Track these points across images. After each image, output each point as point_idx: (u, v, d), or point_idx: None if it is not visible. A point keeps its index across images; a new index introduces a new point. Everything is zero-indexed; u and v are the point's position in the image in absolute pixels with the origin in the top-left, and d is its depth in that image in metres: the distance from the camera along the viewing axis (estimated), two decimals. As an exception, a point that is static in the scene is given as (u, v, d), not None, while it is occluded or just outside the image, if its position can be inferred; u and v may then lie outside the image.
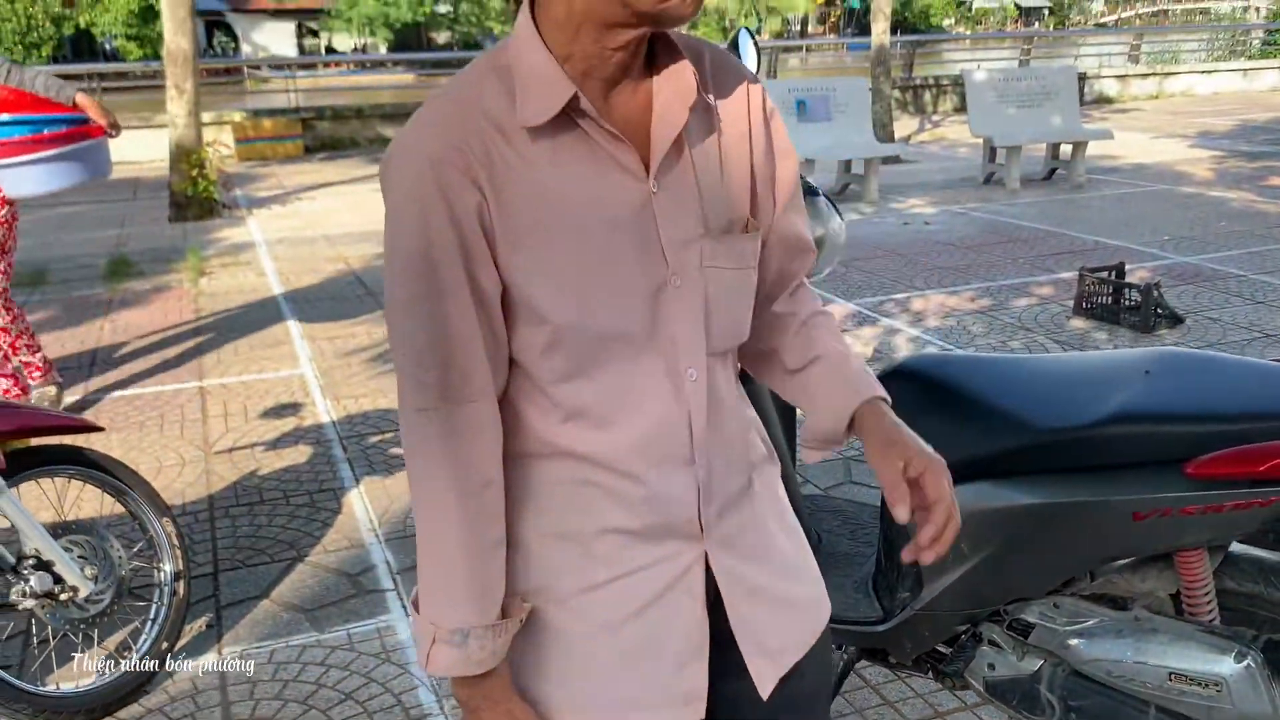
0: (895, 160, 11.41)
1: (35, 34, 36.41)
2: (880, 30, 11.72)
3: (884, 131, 11.53)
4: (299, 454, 4.05)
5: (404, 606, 2.97)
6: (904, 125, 15.53)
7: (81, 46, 38.95)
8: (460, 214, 1.05)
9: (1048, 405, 1.93)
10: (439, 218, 1.05)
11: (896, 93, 17.09)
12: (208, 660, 2.75)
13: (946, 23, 65.84)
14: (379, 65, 34.96)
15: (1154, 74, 19.30)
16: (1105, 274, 5.53)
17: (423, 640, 1.12)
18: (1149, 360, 2.01)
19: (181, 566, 2.72)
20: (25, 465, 2.49)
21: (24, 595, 2.43)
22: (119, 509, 2.75)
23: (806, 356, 1.26)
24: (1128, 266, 6.22)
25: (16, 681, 2.41)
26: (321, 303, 6.25)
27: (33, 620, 2.53)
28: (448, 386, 1.08)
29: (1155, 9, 77.89)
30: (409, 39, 45.20)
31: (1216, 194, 9.03)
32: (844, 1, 64.39)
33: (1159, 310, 5.28)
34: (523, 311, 1.09)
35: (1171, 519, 1.77)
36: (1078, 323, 5.41)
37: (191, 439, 4.21)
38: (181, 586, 2.71)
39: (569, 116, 1.05)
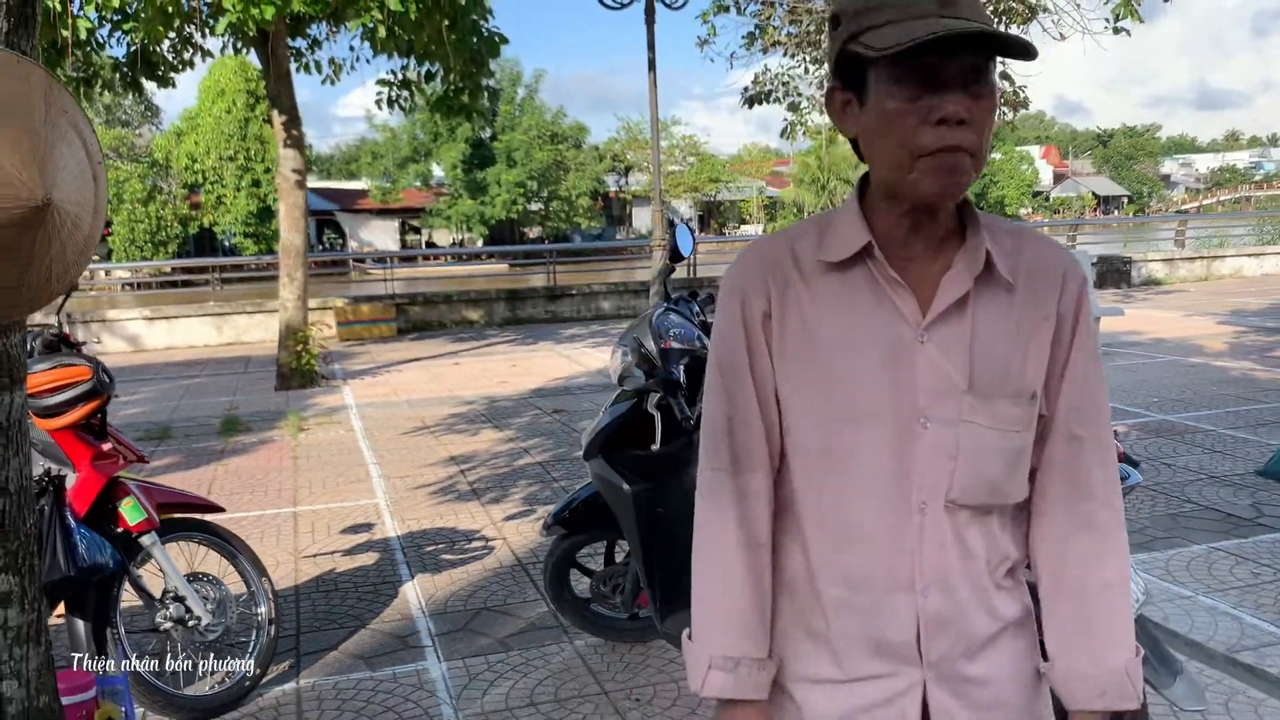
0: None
1: (164, 233, 40.02)
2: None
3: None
4: (368, 558, 5.01)
5: (439, 659, 3.85)
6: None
7: (204, 243, 42.48)
8: (750, 320, 1.29)
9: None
10: (736, 319, 1.30)
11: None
12: (289, 685, 3.66)
13: (1023, 212, 67.56)
14: (474, 258, 37.44)
15: (1200, 257, 20.09)
16: (1070, 425, 6.31)
17: (697, 667, 1.31)
18: None
19: (274, 614, 3.68)
20: (171, 529, 3.51)
21: (165, 619, 3.41)
22: (233, 569, 3.74)
23: (1053, 580, 1.31)
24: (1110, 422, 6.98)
25: (159, 684, 3.35)
26: (399, 451, 7.33)
27: (169, 640, 3.48)
28: (735, 455, 1.30)
29: (1236, 196, 78.93)
30: (503, 233, 48.20)
31: (1221, 363, 9.74)
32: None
33: (1119, 456, 6.02)
34: (785, 417, 1.30)
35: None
36: (1044, 467, 6.16)
37: (285, 548, 5.22)
38: (273, 629, 3.66)
39: (863, 262, 1.25)
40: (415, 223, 51.64)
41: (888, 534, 1.25)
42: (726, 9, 13.37)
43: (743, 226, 62.56)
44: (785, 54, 13.70)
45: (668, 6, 11.34)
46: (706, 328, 3.45)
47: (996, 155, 64.63)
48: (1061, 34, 11.64)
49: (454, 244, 49.46)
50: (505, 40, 10.48)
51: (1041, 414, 1.28)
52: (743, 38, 13.76)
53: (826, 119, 14.07)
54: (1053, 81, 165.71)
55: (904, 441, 1.23)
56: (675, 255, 3.53)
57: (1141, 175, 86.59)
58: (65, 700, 2.58)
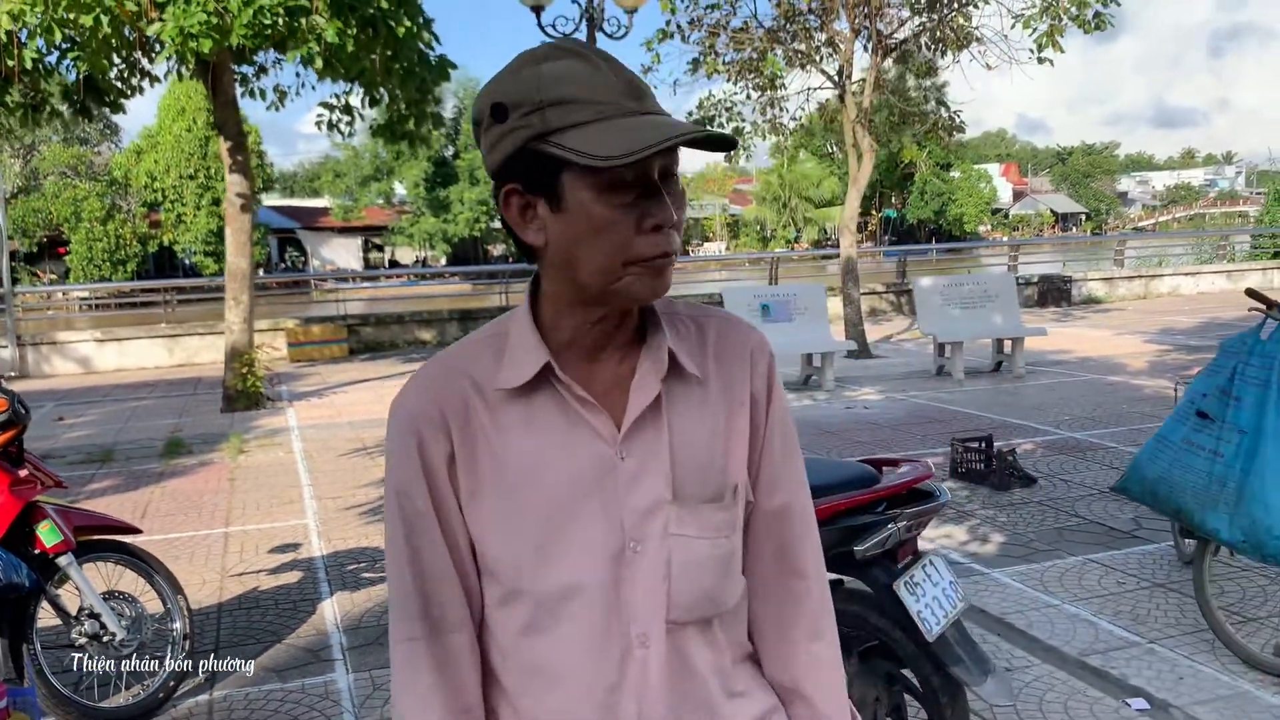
0: (866, 355, 12.72)
1: (123, 251, 39.88)
2: (847, 244, 13.25)
3: (855, 330, 12.85)
4: (292, 577, 5.23)
5: (347, 670, 4.07)
6: (895, 324, 16.92)
7: (164, 262, 42.34)
8: (432, 464, 1.17)
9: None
10: (414, 466, 1.17)
11: (891, 295, 18.61)
12: (202, 697, 3.88)
13: (982, 229, 68.58)
14: (437, 276, 37.58)
15: (1139, 276, 20.68)
16: (974, 443, 6.65)
17: None
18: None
19: (189, 629, 3.89)
20: (89, 550, 3.73)
21: (80, 635, 3.62)
22: (150, 588, 3.95)
23: (786, 681, 1.29)
24: (1019, 441, 7.37)
25: (73, 696, 3.56)
26: (334, 472, 7.54)
27: (85, 655, 3.69)
28: (429, 619, 1.18)
29: (1191, 213, 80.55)
30: (466, 251, 48.41)
31: (1138, 382, 10.14)
32: (880, 211, 67.76)
33: (1013, 473, 6.36)
34: (482, 563, 1.19)
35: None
36: (948, 484, 6.49)
37: (213, 567, 5.42)
38: (188, 643, 3.88)
39: (547, 381, 1.15)
40: (378, 240, 51.71)
41: (605, 677, 1.17)
42: (671, 36, 13.73)
43: (706, 244, 63.11)
44: (728, 80, 14.08)
45: (609, 36, 11.64)
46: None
47: (955, 174, 65.67)
48: (988, 64, 12.08)
49: (416, 262, 49.56)
50: (454, 66, 10.76)
51: (748, 499, 1.25)
52: (687, 64, 14.13)
53: (768, 144, 14.47)
54: (1015, 100, 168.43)
55: (615, 571, 1.15)
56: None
57: (1099, 192, 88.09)
58: (-23, 710, 2.80)
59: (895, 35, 12.84)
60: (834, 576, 3.02)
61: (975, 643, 2.92)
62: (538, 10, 11.36)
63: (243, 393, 10.73)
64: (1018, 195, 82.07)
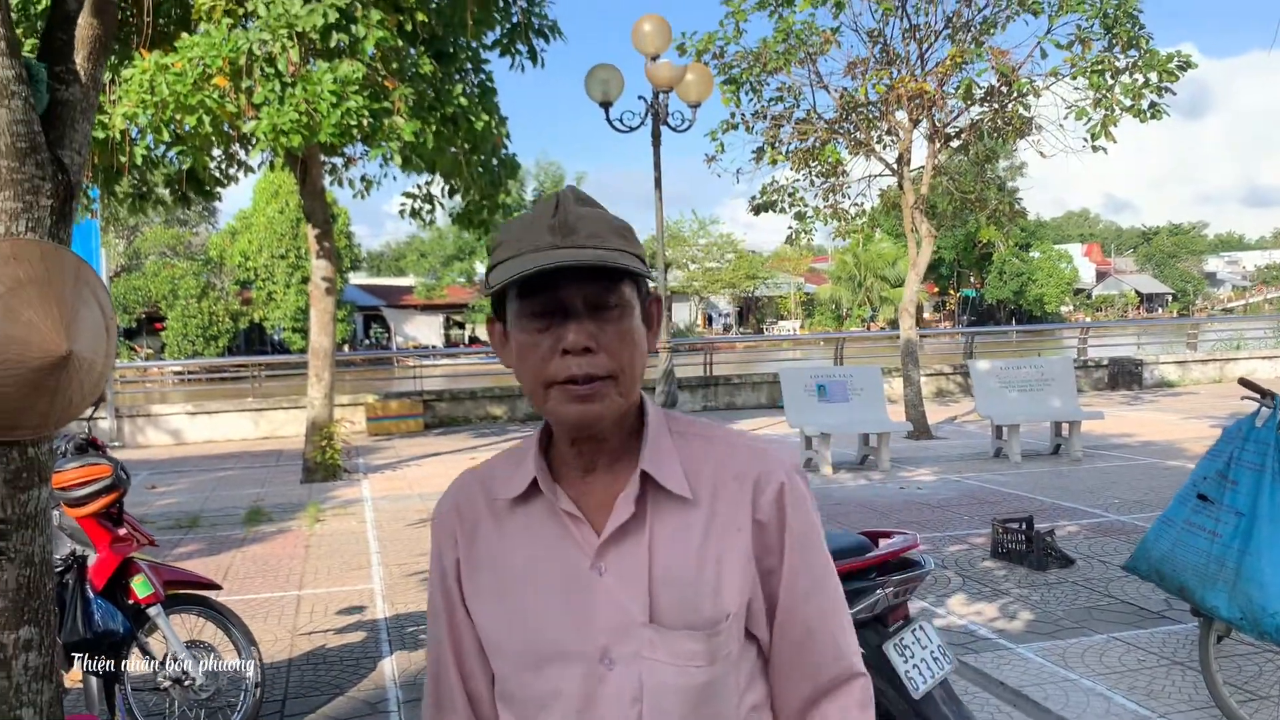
0: (926, 435, 12.86)
1: (215, 327, 41.65)
2: (907, 326, 13.48)
3: (915, 412, 13.01)
4: (356, 637, 5.63)
5: (401, 721, 4.43)
6: (961, 406, 16.98)
7: (254, 337, 44.06)
8: (445, 569, 1.30)
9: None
10: (435, 566, 1.33)
11: (959, 376, 18.66)
12: (269, 741, 4.27)
13: (1064, 310, 67.78)
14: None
15: (1214, 359, 20.42)
16: (1015, 524, 6.81)
17: None
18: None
19: (261, 679, 4.30)
20: (175, 602, 4.17)
21: (165, 679, 4.05)
22: (227, 640, 4.37)
23: None
24: (1064, 523, 7.51)
25: (155, 734, 3.98)
26: (401, 541, 7.98)
27: (169, 698, 4.10)
28: (437, 698, 1.34)
29: (1282, 294, 78.55)
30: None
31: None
32: (958, 291, 67.51)
33: (1051, 553, 6.52)
34: (491, 662, 1.30)
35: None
36: (988, 563, 6.67)
37: (285, 626, 5.85)
38: (259, 691, 4.28)
39: (541, 494, 1.23)
40: (459, 318, 53.08)
41: None
42: (735, 127, 14.28)
43: (780, 323, 63.41)
44: (791, 167, 14.56)
45: (673, 129, 12.21)
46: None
47: (1035, 254, 65.25)
48: (1041, 152, 12.35)
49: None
50: (519, 166, 11.44)
51: (752, 633, 1.25)
52: (751, 153, 14.65)
53: (831, 227, 14.86)
54: (1100, 180, 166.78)
55: (589, 685, 1.18)
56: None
57: (1185, 273, 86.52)
58: (75, 739, 3.21)
59: (953, 125, 13.19)
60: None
61: (961, 701, 3.18)
62: (606, 106, 11.99)
63: (321, 464, 11.30)
64: (1101, 276, 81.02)
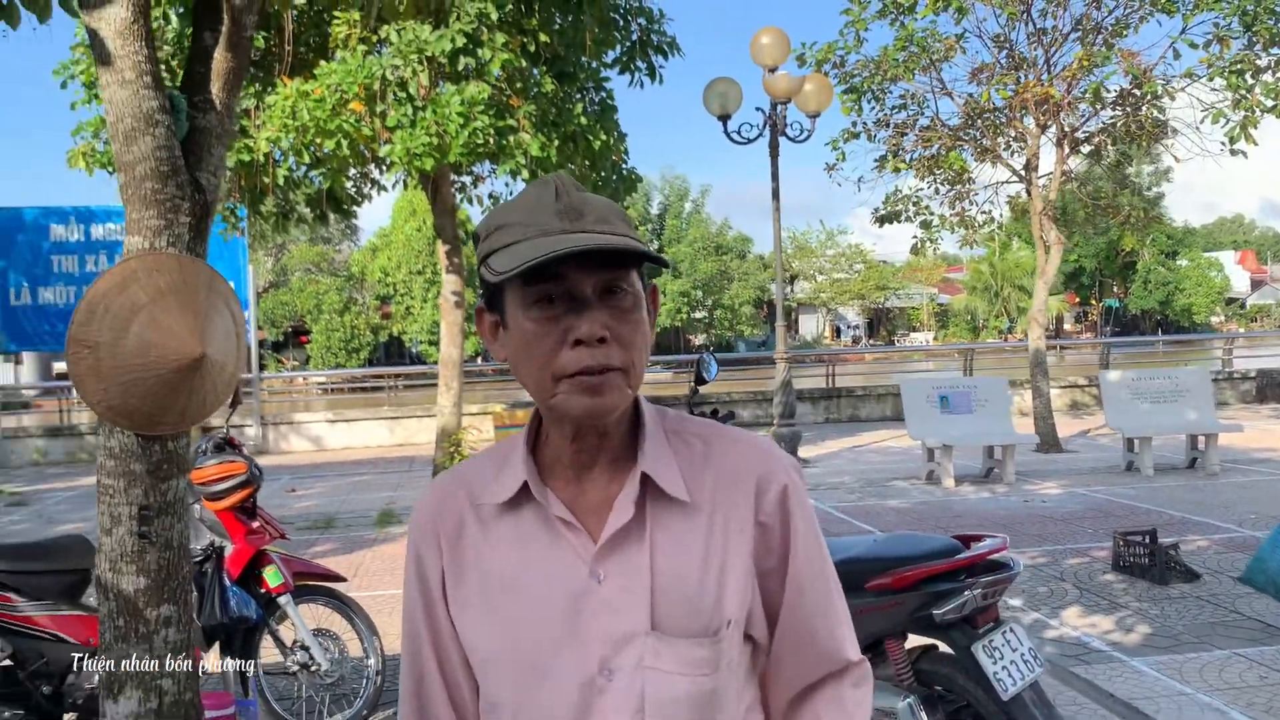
0: (1055, 449, 12.50)
1: (357, 340, 43.32)
2: (1036, 337, 13.15)
3: (1044, 424, 12.67)
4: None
5: None
6: (1096, 419, 16.41)
7: (393, 350, 45.65)
8: (426, 575, 1.23)
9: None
10: (413, 576, 1.25)
11: (1094, 389, 18.03)
12: (388, 726, 4.52)
13: (1214, 320, 64.53)
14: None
15: (1379, 373, 19.19)
16: (1138, 537, 6.62)
17: None
18: (884, 536, 3.56)
19: (382, 667, 4.56)
20: (303, 593, 4.46)
21: (293, 664, 4.34)
22: (351, 630, 4.65)
23: None
24: (1193, 537, 7.27)
25: (285, 715, 4.27)
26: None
27: (296, 681, 4.40)
28: (421, 712, 1.25)
29: None
30: (668, 340, 49.70)
31: (1347, 482, 9.62)
32: (1100, 301, 64.97)
33: (1174, 567, 6.31)
34: (477, 676, 1.22)
35: (861, 615, 3.26)
36: (1108, 577, 6.50)
37: (409, 621, 6.14)
38: (380, 679, 4.54)
39: (531, 498, 1.17)
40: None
41: None
42: (857, 136, 14.21)
43: (913, 334, 62.19)
44: (916, 176, 14.40)
45: (792, 140, 12.24)
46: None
47: (1183, 262, 62.31)
48: (1176, 156, 11.91)
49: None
50: (639, 179, 11.65)
51: (750, 635, 1.22)
52: (874, 161, 14.55)
53: (957, 236, 14.62)
54: (1257, 184, 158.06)
55: (586, 698, 1.13)
56: (700, 380, 4.31)
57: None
58: (212, 714, 3.50)
59: (1083, 129, 12.84)
60: (927, 641, 3.35)
61: (1053, 705, 3.18)
62: (724, 119, 12.11)
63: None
64: (1256, 284, 76.73)
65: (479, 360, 36.73)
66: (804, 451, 12.96)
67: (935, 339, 59.25)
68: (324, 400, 26.57)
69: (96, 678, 3.78)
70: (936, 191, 14.58)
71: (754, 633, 1.22)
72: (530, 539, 1.18)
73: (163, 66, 3.18)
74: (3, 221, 15.24)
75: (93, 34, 2.85)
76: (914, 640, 3.35)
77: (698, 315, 48.91)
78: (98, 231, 15.20)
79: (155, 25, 9.43)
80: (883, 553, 3.34)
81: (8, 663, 3.82)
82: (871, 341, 61.58)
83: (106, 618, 2.86)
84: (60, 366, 37.56)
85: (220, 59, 3.07)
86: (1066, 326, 64.54)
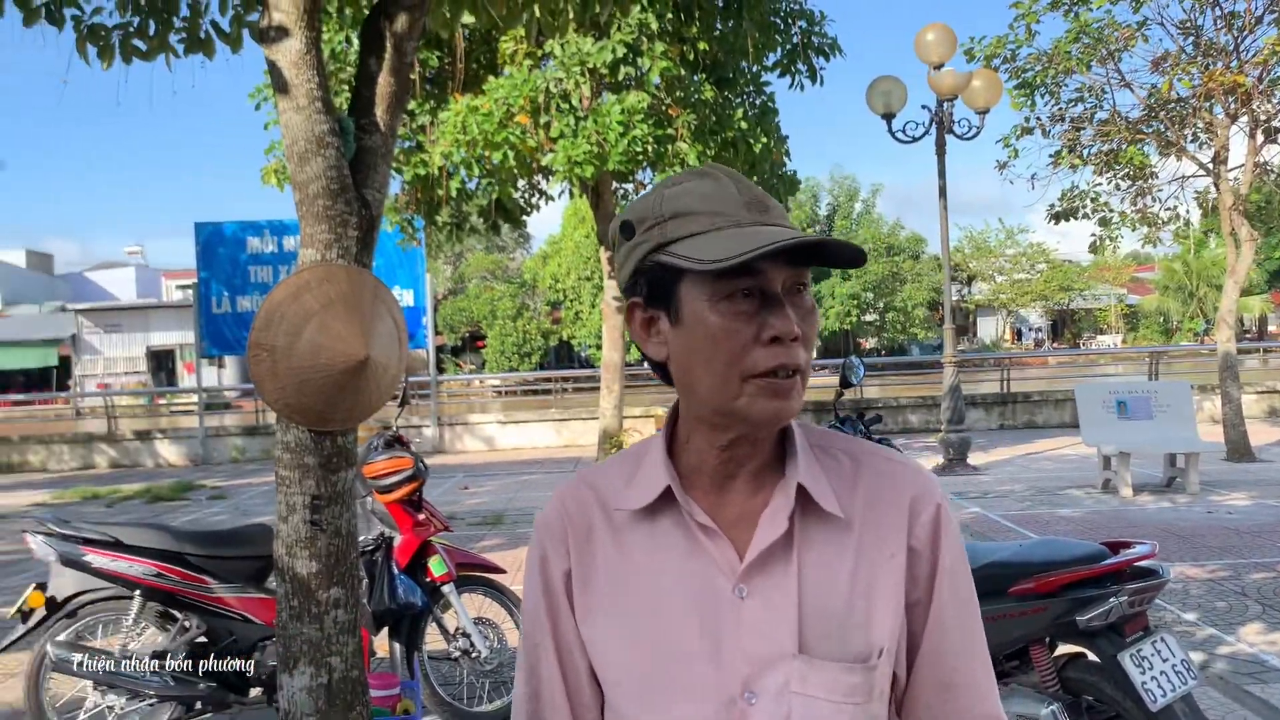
0: (1248, 458, 11.75)
1: (528, 345, 44.61)
2: (1225, 339, 12.39)
3: (1234, 432, 11.92)
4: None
5: None
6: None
7: (563, 354, 46.79)
8: (551, 583, 1.17)
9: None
10: (536, 584, 1.18)
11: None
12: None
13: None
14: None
15: None
16: (1332, 552, 6.20)
17: None
18: (1030, 541, 3.50)
19: (537, 657, 4.76)
20: (465, 583, 4.71)
21: (455, 650, 4.58)
22: (510, 620, 4.87)
23: None
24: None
25: (448, 698, 4.52)
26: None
27: (458, 667, 4.64)
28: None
29: None
30: (838, 344, 49.04)
31: None
32: (1312, 301, 60.30)
33: (1374, 585, 5.88)
34: (603, 691, 1.16)
35: (1004, 620, 3.23)
36: (1298, 593, 6.11)
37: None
38: (535, 668, 4.74)
39: (673, 506, 1.11)
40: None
41: None
42: (1030, 131, 13.74)
43: (1099, 336, 59.28)
44: (1094, 172, 13.80)
45: (959, 137, 11.95)
46: (869, 443, 4.21)
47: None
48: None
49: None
50: (799, 182, 11.64)
51: (896, 672, 1.14)
52: (1049, 157, 14.02)
53: (1138, 233, 13.94)
54: None
55: None
56: (845, 383, 4.33)
57: None
58: (379, 692, 3.76)
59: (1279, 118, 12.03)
60: (1076, 649, 3.29)
61: (1205, 718, 3.06)
62: (888, 118, 11.95)
63: (612, 472, 11.97)
64: None
65: (644, 364, 37.24)
66: (974, 458, 12.62)
67: (1124, 342, 56.31)
68: (498, 402, 27.53)
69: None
70: (1116, 187, 13.93)
71: (896, 668, 1.14)
72: (666, 548, 1.12)
73: (343, 88, 3.45)
74: (205, 235, 16.49)
75: (272, 64, 3.13)
76: (1061, 648, 3.29)
77: (868, 318, 48.04)
78: (289, 243, 16.25)
79: (339, 49, 10.03)
80: (1027, 557, 3.28)
81: (202, 639, 4.20)
82: (1054, 345, 59.02)
83: (283, 598, 3.13)
84: (259, 370, 40.11)
85: (384, 83, 3.31)
86: (1272, 328, 60.13)
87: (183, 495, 13.03)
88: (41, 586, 4.17)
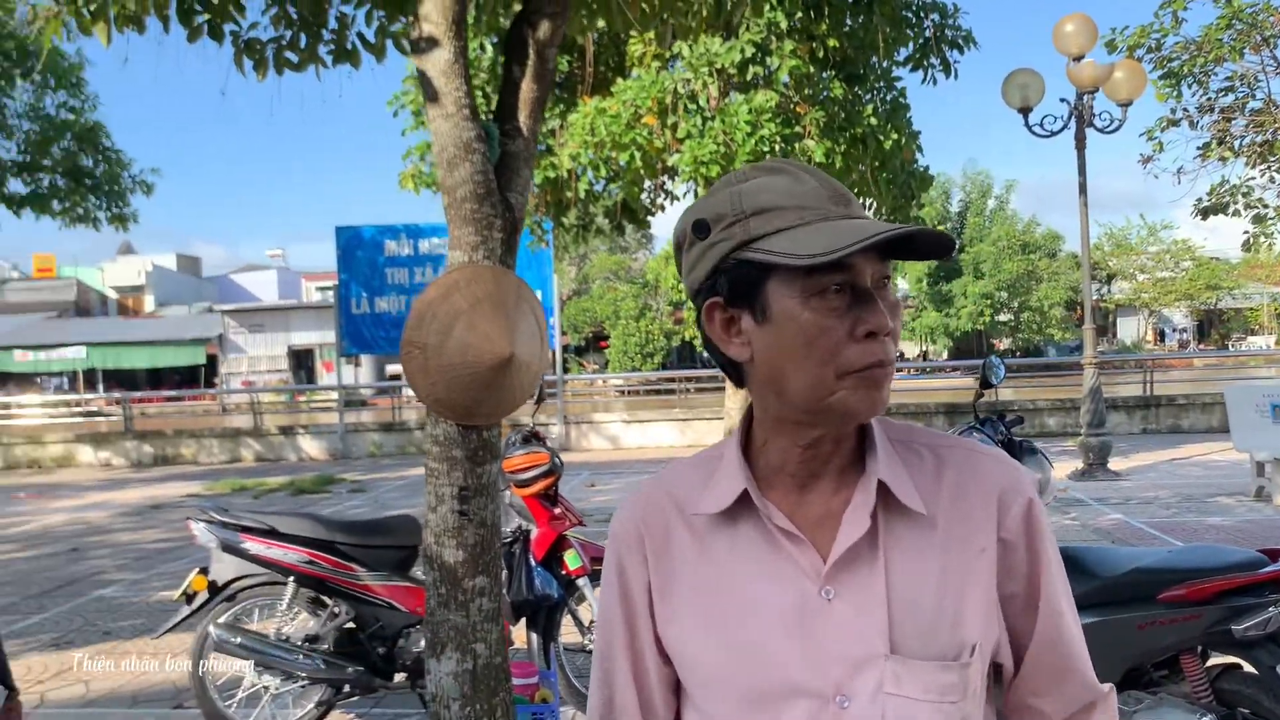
0: None
1: (651, 345, 44.88)
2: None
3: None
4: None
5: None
6: None
7: (684, 354, 46.92)
8: (630, 588, 1.17)
9: (1111, 566, 3.35)
10: (613, 588, 1.19)
11: None
12: (676, 708, 4.77)
13: None
14: (938, 370, 37.64)
15: None
16: None
17: None
18: (1180, 546, 3.39)
19: (668, 652, 4.82)
20: (598, 577, 4.79)
21: (590, 643, 4.67)
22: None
23: None
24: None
25: (583, 690, 4.61)
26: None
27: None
28: None
29: None
30: (970, 345, 47.82)
31: None
32: None
33: None
34: (684, 687, 1.17)
35: (1152, 628, 3.13)
36: None
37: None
38: (667, 663, 4.80)
39: (751, 509, 1.11)
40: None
41: None
42: (1177, 123, 13.21)
43: (1250, 337, 56.35)
44: (1247, 164, 13.18)
45: (1100, 130, 11.55)
46: (1008, 446, 4.12)
47: None
48: None
49: (918, 356, 49.88)
50: (932, 179, 11.42)
51: (998, 662, 1.15)
52: (1197, 150, 13.46)
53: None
54: None
55: None
56: (985, 384, 4.25)
57: None
58: (518, 680, 3.87)
59: None
60: (1230, 660, 3.17)
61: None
62: (1025, 112, 11.63)
63: (738, 472, 11.97)
64: None
65: (711, 364, 37.12)
66: (1115, 463, 12.17)
67: (1277, 343, 53.36)
68: (621, 402, 27.78)
69: (424, 642, 4.29)
70: (1271, 180, 13.28)
71: (1001, 659, 1.15)
72: (747, 552, 1.11)
73: (479, 93, 3.57)
74: (345, 239, 17.14)
75: (421, 74, 3.26)
76: (1214, 658, 3.17)
77: (1002, 318, 46.66)
78: (424, 246, 16.76)
79: (473, 56, 10.30)
80: (1178, 563, 3.18)
81: (351, 624, 4.39)
82: (1201, 346, 56.33)
83: (431, 585, 3.26)
84: (392, 368, 41.58)
85: (526, 89, 3.41)
86: None
87: (324, 488, 13.58)
88: (204, 571, 4.42)
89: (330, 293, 18.35)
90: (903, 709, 1.04)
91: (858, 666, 1.05)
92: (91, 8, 3.84)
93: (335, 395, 22.00)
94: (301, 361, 42.41)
